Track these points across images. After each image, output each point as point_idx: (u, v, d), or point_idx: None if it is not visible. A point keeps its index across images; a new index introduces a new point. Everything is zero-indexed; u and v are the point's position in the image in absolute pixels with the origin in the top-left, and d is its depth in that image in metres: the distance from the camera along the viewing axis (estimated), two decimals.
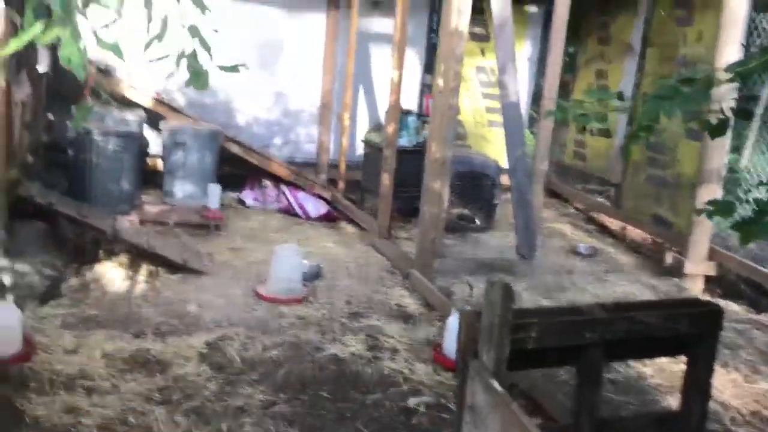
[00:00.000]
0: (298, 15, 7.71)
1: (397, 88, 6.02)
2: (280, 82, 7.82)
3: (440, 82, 5.05)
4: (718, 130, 2.13)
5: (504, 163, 8.75)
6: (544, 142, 5.63)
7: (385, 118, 6.48)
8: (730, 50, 5.43)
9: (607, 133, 7.72)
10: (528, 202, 5.45)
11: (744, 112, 2.07)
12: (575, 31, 8.35)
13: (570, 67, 8.64)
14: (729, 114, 2.12)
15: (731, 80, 1.90)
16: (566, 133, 8.62)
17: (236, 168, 7.40)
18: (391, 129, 6.08)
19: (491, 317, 2.16)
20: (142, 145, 6.69)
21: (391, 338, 4.32)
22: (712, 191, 5.63)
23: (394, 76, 6.00)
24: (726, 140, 5.70)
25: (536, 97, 9.06)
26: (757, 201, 1.98)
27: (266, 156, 7.28)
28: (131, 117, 6.30)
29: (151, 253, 5.13)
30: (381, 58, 8.06)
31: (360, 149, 7.96)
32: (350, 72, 7.35)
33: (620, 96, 2.53)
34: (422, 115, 6.59)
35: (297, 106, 7.96)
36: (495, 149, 8.47)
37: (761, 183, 5.96)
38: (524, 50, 8.69)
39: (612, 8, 7.81)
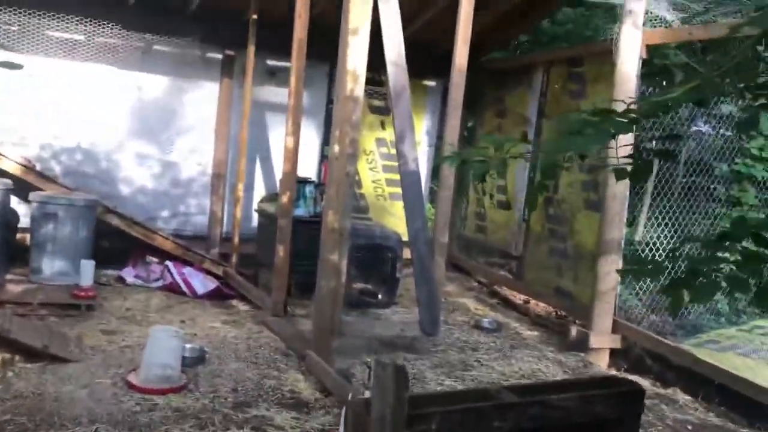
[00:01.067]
0: (189, 83, 7.35)
1: (292, 156, 5.71)
2: (168, 151, 7.36)
3: (336, 148, 4.77)
4: (640, 173, 1.90)
5: (407, 237, 8.61)
6: (443, 214, 5.43)
7: (279, 186, 6.13)
8: None
9: (507, 206, 7.67)
10: (430, 276, 5.17)
11: (665, 153, 1.86)
12: (473, 105, 8.42)
13: (469, 140, 8.64)
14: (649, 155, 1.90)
15: (647, 115, 1.69)
16: (467, 206, 8.54)
17: (118, 242, 6.80)
18: (285, 198, 5.72)
19: (382, 407, 1.79)
20: (8, 218, 6.01)
21: (281, 430, 3.82)
22: (612, 262, 5.56)
23: (289, 142, 5.70)
24: (623, 211, 5.69)
25: (436, 171, 8.99)
26: (690, 257, 1.74)
27: (150, 229, 6.72)
28: None
29: (6, 339, 4.45)
30: (278, 127, 7.76)
31: (256, 219, 7.55)
32: (244, 139, 7.00)
33: (524, 137, 2.27)
34: (321, 184, 6.30)
35: (188, 175, 7.49)
36: (397, 222, 8.24)
37: (671, 253, 5.98)
38: (423, 123, 8.65)
39: (508, 82, 7.91)
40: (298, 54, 5.61)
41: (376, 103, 8.28)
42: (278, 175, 7.82)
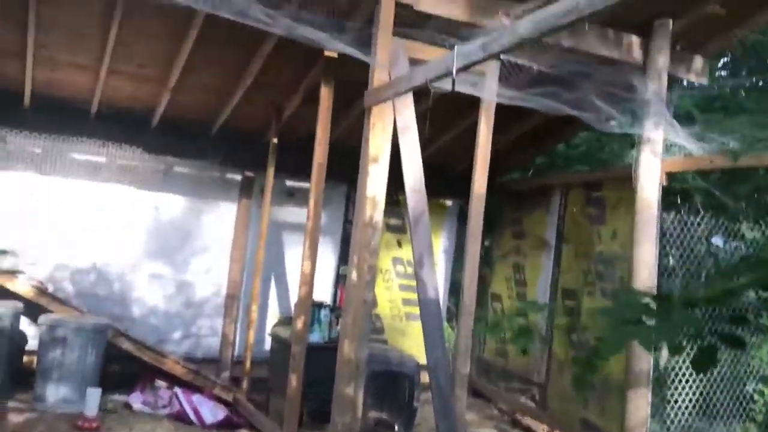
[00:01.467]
0: (207, 203, 7.39)
1: (308, 280, 5.61)
2: (183, 271, 7.29)
3: (354, 275, 4.66)
4: (704, 362, 1.66)
5: (423, 359, 8.33)
6: (464, 342, 5.22)
7: (294, 310, 5.99)
8: (646, 249, 5.36)
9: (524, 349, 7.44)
10: (450, 410, 4.90)
11: (733, 340, 1.64)
12: (490, 225, 8.36)
13: (486, 260, 8.53)
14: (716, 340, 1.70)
15: (712, 302, 1.53)
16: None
17: (127, 366, 6.60)
18: (300, 323, 5.56)
19: None
20: (16, 341, 5.87)
21: None
22: (641, 396, 5.28)
23: (306, 266, 5.61)
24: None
25: (453, 289, 8.83)
26: None
27: (161, 353, 6.53)
28: (3, 309, 5.55)
29: None
30: (295, 247, 7.71)
31: (269, 342, 7.35)
32: (260, 260, 6.94)
33: (535, 306, 2.11)
34: (336, 308, 6.16)
35: (201, 296, 7.38)
36: (414, 343, 8.00)
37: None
38: (440, 243, 8.58)
39: (526, 203, 7.89)
40: (317, 178, 5.63)
41: (393, 221, 8.26)
42: (293, 295, 7.72)
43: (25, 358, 6.44)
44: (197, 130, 7.11)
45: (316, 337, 5.86)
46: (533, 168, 8.58)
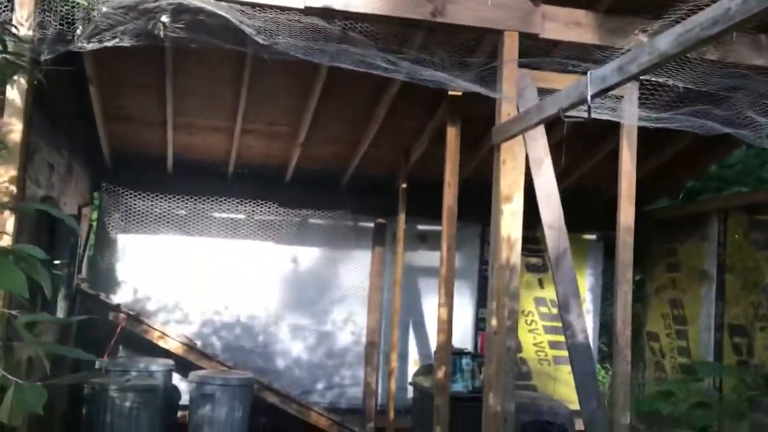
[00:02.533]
0: (342, 252, 7.41)
1: (446, 327, 5.38)
2: (323, 321, 7.31)
3: (494, 322, 4.39)
4: None
5: (576, 405, 7.79)
6: (622, 390, 4.76)
7: (435, 360, 5.77)
8: None
9: (691, 370, 6.75)
10: None
11: None
12: (640, 259, 7.76)
13: (638, 296, 7.90)
14: None
15: None
16: (644, 369, 7.66)
17: (274, 419, 6.66)
18: (441, 373, 5.33)
19: None
20: (170, 398, 6.07)
21: None
22: None
23: (442, 313, 5.40)
24: None
25: (604, 329, 8.26)
26: None
27: (305, 405, 6.53)
28: (156, 368, 5.76)
29: None
30: (430, 293, 7.54)
31: (411, 391, 7.17)
32: (396, 307, 6.82)
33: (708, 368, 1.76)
34: (478, 356, 5.87)
35: (342, 345, 7.36)
36: (564, 389, 7.53)
37: None
38: (585, 280, 8.08)
39: (678, 233, 7.26)
40: (448, 221, 5.45)
41: (533, 260, 7.89)
42: (432, 342, 7.52)
43: (179, 413, 6.66)
44: (329, 181, 7.18)
45: (459, 386, 5.60)
46: (684, 193, 7.91)
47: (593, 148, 6.78)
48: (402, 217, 6.79)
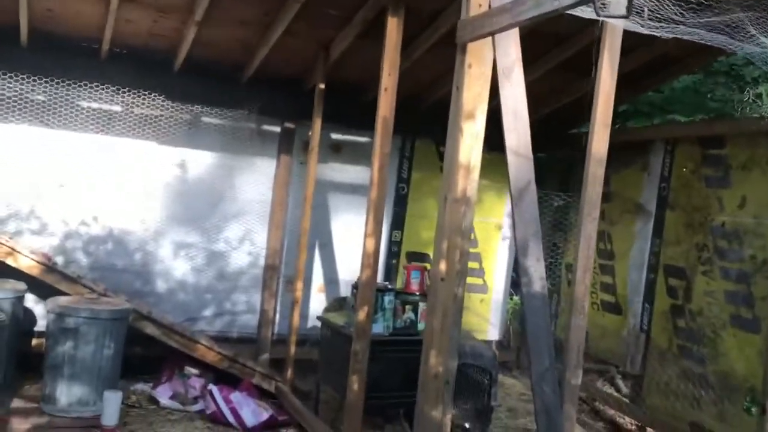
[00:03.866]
0: (241, 160, 6.28)
1: (371, 261, 4.53)
2: (214, 239, 6.25)
3: (442, 265, 3.57)
4: None
5: (483, 334, 7.32)
6: (576, 346, 4.15)
7: (353, 298, 4.94)
8: None
9: (616, 309, 6.37)
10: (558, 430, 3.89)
11: None
12: (564, 185, 7.22)
13: (560, 225, 7.40)
14: None
15: None
16: (558, 302, 7.25)
17: (151, 348, 5.67)
18: (363, 314, 4.50)
19: None
20: (19, 327, 4.92)
21: None
22: None
23: (369, 244, 4.52)
24: None
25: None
26: None
27: (191, 338, 5.57)
28: (2, 294, 4.57)
29: None
30: (342, 211, 6.66)
31: (312, 320, 6.38)
32: (305, 228, 5.88)
33: None
34: (402, 292, 5.07)
35: (236, 267, 6.36)
36: (472, 318, 7.04)
37: None
38: (505, 205, 7.44)
39: (613, 161, 6.66)
40: (382, 136, 4.48)
41: None
42: (340, 265, 6.71)
43: (34, 341, 5.52)
44: (229, 73, 5.96)
45: (378, 327, 4.82)
46: (615, 117, 7.31)
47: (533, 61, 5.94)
48: (318, 122, 5.75)
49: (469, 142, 3.56)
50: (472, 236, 7.14)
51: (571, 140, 7.27)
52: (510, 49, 3.72)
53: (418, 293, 5.05)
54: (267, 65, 5.75)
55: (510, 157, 3.79)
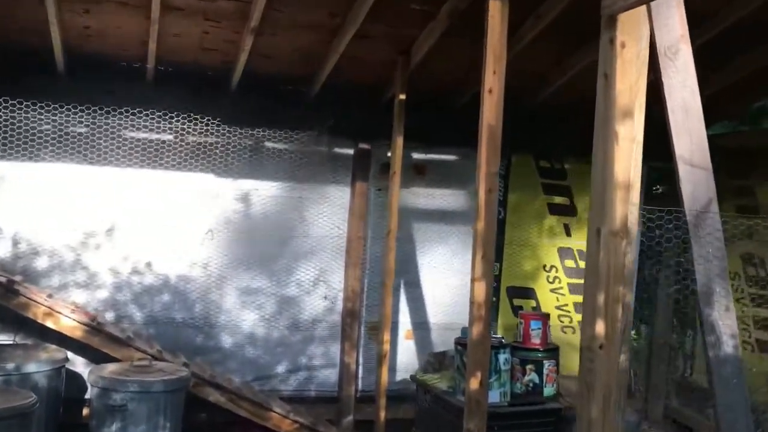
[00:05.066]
0: (310, 188, 5.40)
1: (483, 312, 3.50)
2: (284, 282, 5.38)
3: (599, 327, 2.53)
4: None
5: None
6: None
7: (458, 354, 3.93)
8: None
9: None
10: None
11: None
12: None
13: None
14: None
15: None
16: (693, 337, 6.04)
17: (216, 415, 4.83)
18: (476, 382, 3.47)
19: None
20: (61, 399, 4.13)
21: None
22: None
23: (478, 292, 3.48)
24: None
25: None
26: None
27: (262, 403, 4.69)
28: (36, 367, 3.79)
29: None
30: (428, 244, 5.70)
31: (401, 373, 5.44)
32: (391, 267, 4.93)
33: None
34: (520, 347, 3.97)
35: (310, 315, 5.45)
36: None
37: None
38: None
39: (757, 168, 5.50)
40: (488, 151, 3.49)
41: (557, 200, 6.07)
42: (430, 308, 5.72)
43: (85, 411, 4.73)
44: (294, 89, 5.13)
45: (494, 395, 3.79)
46: (750, 116, 6.13)
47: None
48: (399, 140, 4.82)
49: (627, 151, 2.54)
50: (577, 257, 6.14)
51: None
52: (673, 21, 2.71)
53: (540, 348, 4.00)
54: (336, 77, 4.87)
55: (682, 169, 2.75)
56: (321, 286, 5.44)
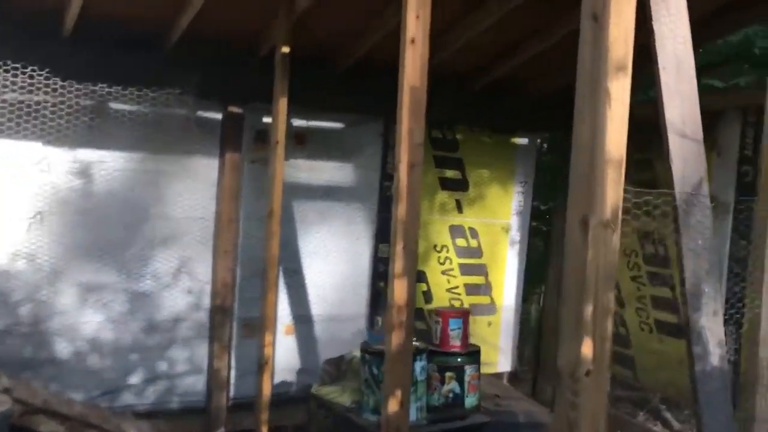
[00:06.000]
0: (167, 159, 4.45)
1: (405, 316, 2.83)
2: (137, 275, 4.41)
3: (587, 349, 1.95)
4: None
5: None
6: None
7: (361, 360, 3.25)
8: None
9: (676, 331, 4.97)
10: None
11: None
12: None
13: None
14: None
15: None
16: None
17: None
18: (395, 404, 2.81)
19: None
20: None
21: None
22: None
23: (398, 290, 2.81)
24: None
25: (534, 274, 6.19)
26: None
27: (114, 429, 3.75)
28: None
29: None
30: (312, 224, 4.96)
31: (280, 374, 4.72)
32: (274, 254, 4.13)
33: None
34: (439, 351, 3.34)
35: (170, 313, 4.53)
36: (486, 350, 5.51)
37: None
38: (512, 201, 5.90)
39: (657, 141, 5.23)
40: (411, 117, 2.79)
41: (449, 174, 5.54)
42: (313, 297, 5.01)
43: None
44: (147, 37, 4.11)
45: (411, 415, 3.15)
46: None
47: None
48: (282, 104, 4.00)
49: (620, 117, 1.97)
50: (476, 243, 5.68)
51: None
52: None
53: (461, 351, 3.41)
54: (202, 23, 3.93)
55: (672, 141, 2.22)
56: (184, 279, 4.52)
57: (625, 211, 4.94)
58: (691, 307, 2.24)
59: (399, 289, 2.79)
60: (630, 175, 4.95)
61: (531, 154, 5.92)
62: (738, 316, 3.70)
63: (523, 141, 5.85)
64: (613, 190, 1.95)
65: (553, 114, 5.57)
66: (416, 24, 2.76)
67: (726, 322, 3.07)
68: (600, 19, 1.92)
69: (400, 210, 2.79)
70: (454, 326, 3.46)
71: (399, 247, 2.80)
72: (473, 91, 5.23)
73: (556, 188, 5.90)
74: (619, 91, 1.94)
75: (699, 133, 2.19)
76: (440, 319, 3.53)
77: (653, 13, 2.10)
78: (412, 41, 2.77)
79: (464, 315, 3.54)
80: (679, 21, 2.14)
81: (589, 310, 1.95)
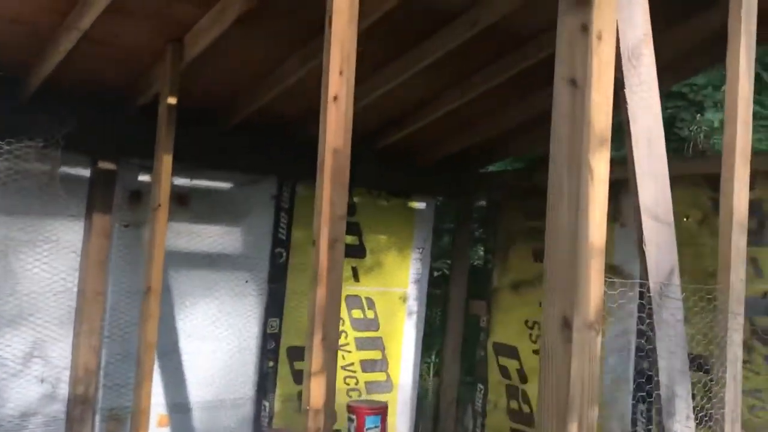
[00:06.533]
0: (22, 221, 3.75)
1: (321, 418, 2.37)
2: None
3: None
4: None
5: None
6: None
7: None
8: None
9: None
10: None
11: None
12: (487, 242, 5.57)
13: (478, 291, 5.71)
14: None
15: None
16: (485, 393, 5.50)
17: None
18: None
19: None
20: None
21: None
22: None
23: (317, 372, 2.36)
24: None
25: (431, 345, 5.88)
26: None
27: None
28: None
29: None
30: (192, 297, 4.37)
31: None
32: (150, 341, 3.51)
33: None
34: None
35: (17, 405, 3.75)
36: None
37: None
38: (410, 267, 5.60)
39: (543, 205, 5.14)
40: (333, 185, 2.38)
41: (346, 239, 5.12)
42: (191, 382, 4.39)
43: None
44: (5, 78, 3.46)
45: None
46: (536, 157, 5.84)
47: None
48: (166, 160, 3.47)
49: (602, 197, 1.68)
50: (373, 314, 5.30)
51: (486, 183, 5.71)
52: (637, 13, 1.93)
53: None
54: (73, 66, 3.36)
55: (646, 224, 1.95)
56: (35, 364, 3.78)
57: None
58: (666, 412, 1.95)
59: (316, 391, 2.34)
60: (521, 243, 4.77)
61: (428, 218, 5.67)
62: None
63: (421, 205, 5.60)
64: (596, 284, 1.65)
65: (450, 177, 5.44)
66: (339, 80, 2.39)
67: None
68: (580, 85, 1.64)
69: (319, 295, 2.35)
70: (370, 425, 3.02)
71: (317, 340, 2.35)
72: (374, 151, 4.94)
73: (452, 253, 5.69)
74: (601, 167, 1.66)
75: (670, 215, 1.95)
76: (355, 416, 3.08)
77: (626, 80, 1.86)
78: (335, 99, 2.39)
79: (383, 411, 3.11)
80: (650, 89, 1.92)
81: (573, 429, 1.61)
